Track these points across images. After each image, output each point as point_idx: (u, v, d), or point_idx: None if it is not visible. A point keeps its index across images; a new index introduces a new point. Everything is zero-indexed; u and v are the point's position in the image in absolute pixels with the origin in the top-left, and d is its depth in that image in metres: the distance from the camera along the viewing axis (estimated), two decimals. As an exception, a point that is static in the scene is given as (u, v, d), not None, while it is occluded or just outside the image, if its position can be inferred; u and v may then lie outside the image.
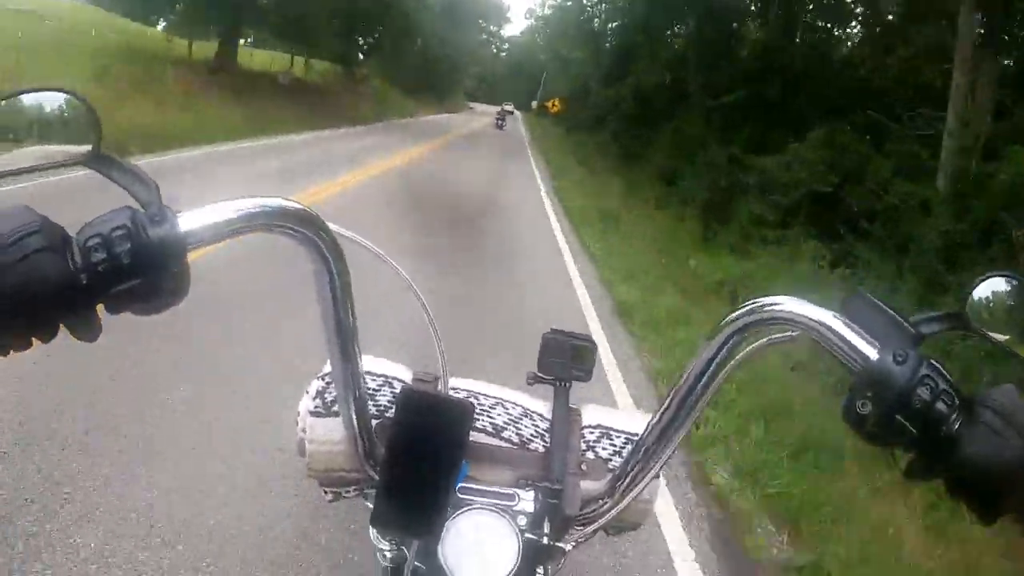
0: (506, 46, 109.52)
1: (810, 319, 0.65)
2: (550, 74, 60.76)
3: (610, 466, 0.91)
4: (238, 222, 0.60)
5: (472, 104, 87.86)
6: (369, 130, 23.17)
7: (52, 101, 0.63)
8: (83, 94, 0.62)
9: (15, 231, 0.52)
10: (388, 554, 1.03)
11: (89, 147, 0.59)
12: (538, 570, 0.86)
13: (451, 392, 0.89)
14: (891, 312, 0.62)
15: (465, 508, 0.82)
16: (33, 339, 0.55)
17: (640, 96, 26.33)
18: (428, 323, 0.82)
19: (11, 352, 0.55)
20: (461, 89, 77.94)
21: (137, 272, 0.54)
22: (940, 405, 0.57)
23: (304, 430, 0.89)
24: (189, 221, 0.57)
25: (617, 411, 0.97)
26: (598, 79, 35.78)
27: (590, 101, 37.55)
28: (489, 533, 0.81)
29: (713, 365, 0.75)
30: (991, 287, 0.65)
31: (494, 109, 57.39)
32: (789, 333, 0.69)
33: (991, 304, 0.65)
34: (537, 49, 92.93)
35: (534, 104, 56.05)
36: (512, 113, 49.54)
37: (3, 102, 0.61)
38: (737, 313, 0.71)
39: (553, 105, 37.30)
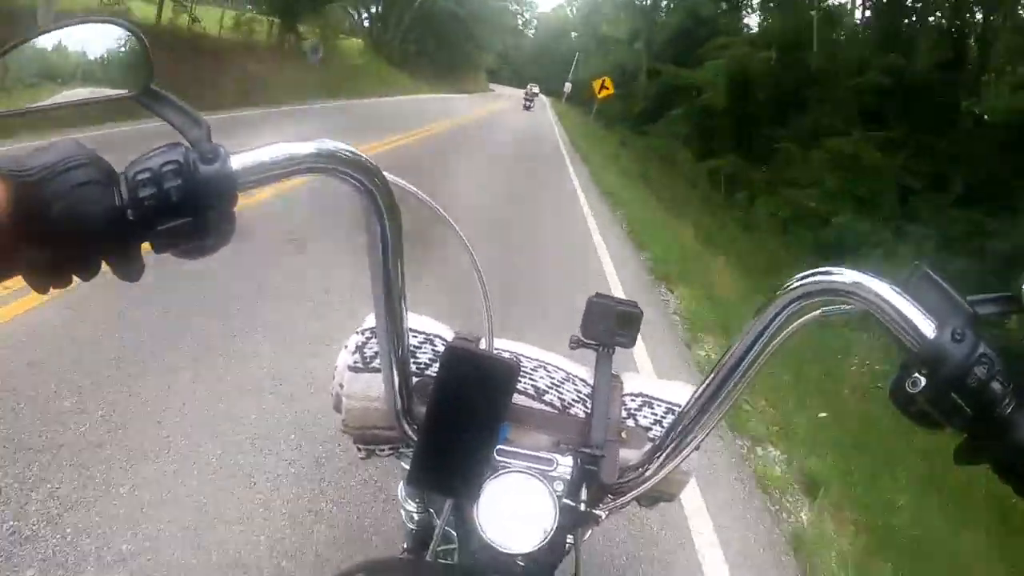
0: (534, 21, 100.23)
1: (870, 292, 0.63)
2: (584, 55, 55.04)
3: (650, 435, 0.89)
4: (291, 163, 0.59)
5: (494, 85, 76.30)
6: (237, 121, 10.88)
7: (97, 35, 0.62)
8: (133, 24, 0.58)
9: (63, 161, 0.51)
10: (416, 516, 1.02)
11: (139, 81, 0.58)
12: (568, 536, 0.85)
13: (494, 351, 0.88)
14: (949, 290, 0.61)
15: (503, 471, 0.80)
16: (74, 275, 0.54)
17: (737, 84, 16.05)
18: (478, 282, 0.81)
19: (51, 289, 0.54)
20: (481, 66, 66.78)
21: (186, 210, 0.53)
22: (995, 385, 0.56)
23: (341, 385, 0.88)
24: (242, 160, 0.56)
25: (659, 380, 0.96)
26: (649, 62, 28.37)
27: (637, 90, 30.43)
28: (526, 497, 0.80)
29: (764, 336, 0.73)
30: None
31: (519, 92, 51.81)
32: (844, 305, 0.67)
33: None
34: (569, 26, 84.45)
35: (567, 88, 49.06)
36: (538, 95, 44.03)
37: (42, 37, 0.60)
38: (794, 283, 0.69)
39: (602, 88, 26.65)
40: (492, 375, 0.74)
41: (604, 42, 46.23)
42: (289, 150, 0.59)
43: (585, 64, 52.92)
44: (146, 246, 0.54)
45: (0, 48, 0.59)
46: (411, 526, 1.03)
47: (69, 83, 0.62)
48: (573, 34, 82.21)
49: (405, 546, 1.07)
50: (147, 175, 0.52)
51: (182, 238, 0.54)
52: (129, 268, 0.55)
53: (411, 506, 1.03)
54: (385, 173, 0.66)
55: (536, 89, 42.37)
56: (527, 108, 37.45)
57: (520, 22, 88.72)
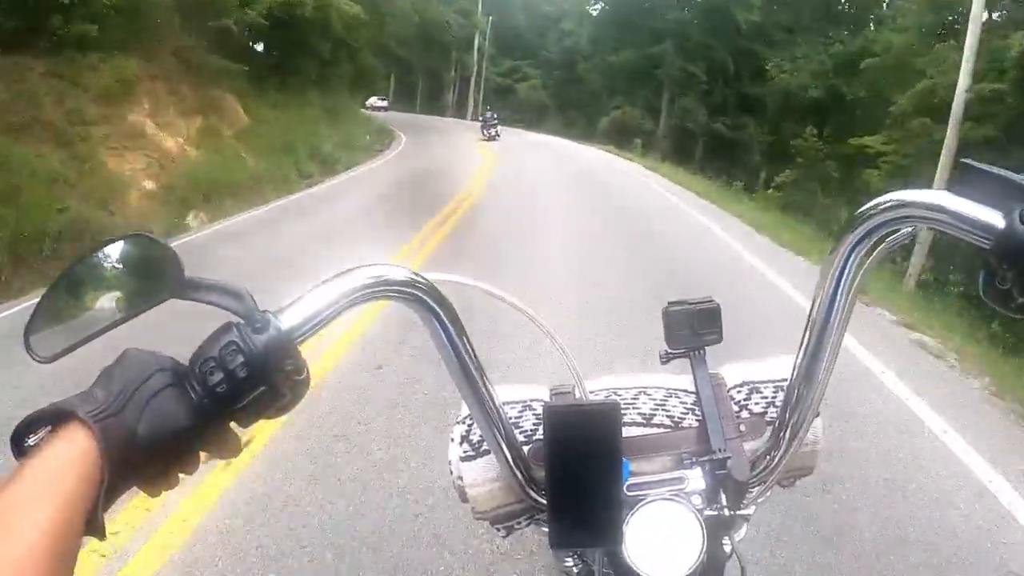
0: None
1: (924, 206, 0.61)
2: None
3: (767, 419, 0.88)
4: (338, 303, 0.62)
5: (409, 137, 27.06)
6: None
7: (128, 250, 0.66)
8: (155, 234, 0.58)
9: (133, 381, 0.54)
10: (575, 570, 1.03)
11: (175, 281, 0.61)
12: (724, 541, 0.85)
13: (591, 396, 0.89)
14: (1002, 173, 0.57)
15: (638, 505, 0.80)
16: (179, 474, 0.57)
17: None
18: (549, 338, 0.82)
19: (162, 491, 0.57)
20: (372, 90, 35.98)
21: (256, 381, 0.56)
22: None
23: (460, 477, 0.89)
24: (291, 317, 0.59)
25: (758, 362, 0.95)
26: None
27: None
28: (668, 522, 0.80)
29: (842, 286, 0.72)
30: None
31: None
32: (906, 229, 0.65)
33: None
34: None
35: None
36: (496, 123, 30.23)
37: (80, 265, 0.64)
38: (852, 229, 0.68)
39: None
40: (596, 422, 0.74)
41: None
42: (330, 291, 0.62)
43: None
44: None
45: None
46: None
47: (114, 301, 0.65)
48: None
49: None
50: (212, 363, 0.55)
51: (261, 407, 0.57)
52: (226, 449, 0.59)
53: (568, 562, 1.04)
54: (427, 275, 0.68)
55: (494, 119, 30.41)
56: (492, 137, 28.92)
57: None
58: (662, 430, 0.88)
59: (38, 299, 0.62)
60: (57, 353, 0.61)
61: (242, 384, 0.55)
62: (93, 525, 0.51)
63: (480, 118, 32.76)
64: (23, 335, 0.61)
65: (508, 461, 0.82)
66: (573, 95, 51.87)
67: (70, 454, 0.50)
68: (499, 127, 30.41)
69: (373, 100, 36.47)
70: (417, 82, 56.98)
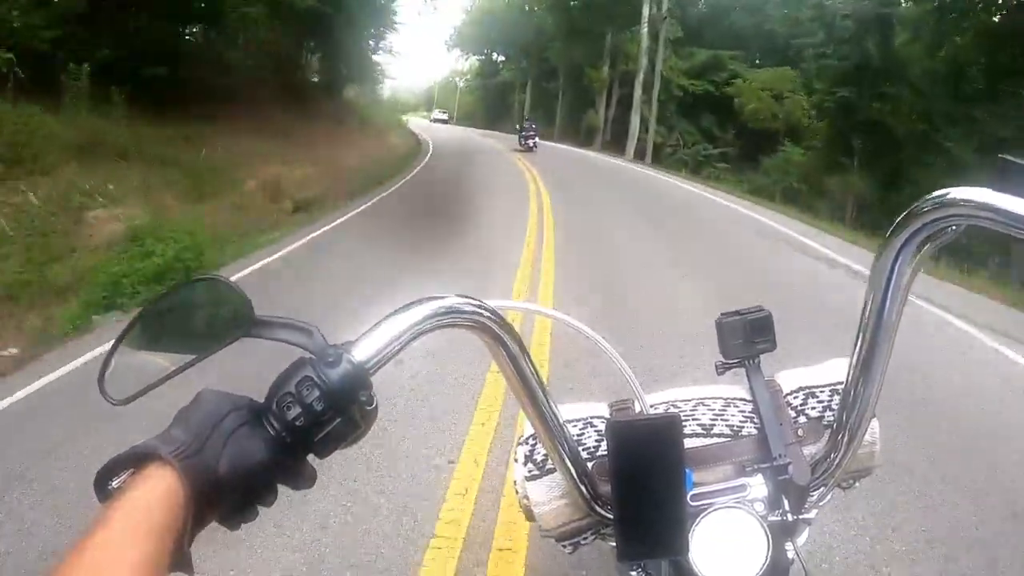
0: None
1: (970, 204, 0.61)
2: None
3: (824, 422, 0.89)
4: (407, 334, 0.63)
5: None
6: None
7: (197, 293, 0.69)
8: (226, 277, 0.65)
9: (210, 419, 0.56)
10: None
11: (244, 321, 0.62)
12: (787, 546, 0.85)
13: (651, 410, 0.90)
14: None
15: (703, 514, 0.81)
16: (258, 506, 0.59)
17: None
18: (609, 355, 0.83)
19: (242, 524, 0.59)
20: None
21: (334, 413, 0.57)
22: None
23: (526, 497, 0.90)
24: (362, 351, 0.60)
25: (811, 367, 0.95)
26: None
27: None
28: (733, 529, 0.81)
29: (892, 287, 0.73)
30: None
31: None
32: (951, 228, 0.66)
33: None
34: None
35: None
36: (533, 135, 26.95)
37: (151, 308, 0.66)
38: (899, 231, 0.68)
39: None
40: (658, 435, 0.75)
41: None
42: (399, 323, 0.63)
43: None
44: None
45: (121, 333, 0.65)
46: None
47: (187, 343, 0.67)
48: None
49: None
50: (289, 398, 0.56)
51: (338, 438, 0.58)
52: (303, 480, 0.60)
53: (632, 575, 1.04)
54: (490, 302, 0.69)
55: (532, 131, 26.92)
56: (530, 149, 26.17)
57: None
58: (722, 439, 0.89)
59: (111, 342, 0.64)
60: (131, 396, 0.62)
61: (319, 416, 0.56)
62: (179, 560, 0.52)
63: (518, 127, 29.24)
64: (97, 378, 0.63)
65: (574, 477, 0.83)
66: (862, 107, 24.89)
67: (156, 493, 0.51)
68: (537, 138, 28.09)
69: (436, 113, 38.69)
70: (558, 92, 41.86)
